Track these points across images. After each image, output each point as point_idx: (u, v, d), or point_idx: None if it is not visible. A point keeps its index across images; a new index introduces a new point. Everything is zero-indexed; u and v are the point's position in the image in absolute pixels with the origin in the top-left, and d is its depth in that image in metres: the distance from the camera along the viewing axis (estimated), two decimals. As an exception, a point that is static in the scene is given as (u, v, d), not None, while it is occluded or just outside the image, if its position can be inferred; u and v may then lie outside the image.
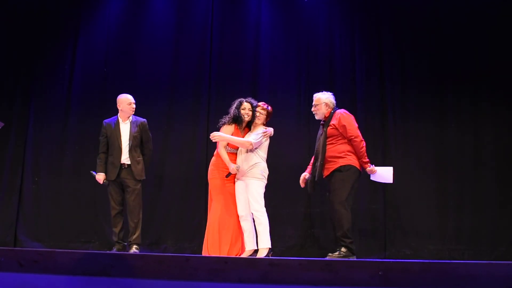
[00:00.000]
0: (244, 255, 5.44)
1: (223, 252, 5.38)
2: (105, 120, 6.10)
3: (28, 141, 7.50)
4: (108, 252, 5.64)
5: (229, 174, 5.49)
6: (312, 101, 5.60)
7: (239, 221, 5.56)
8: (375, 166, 5.46)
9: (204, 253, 5.48)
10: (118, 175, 5.92)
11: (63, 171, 7.40)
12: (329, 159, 5.37)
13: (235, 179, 5.60)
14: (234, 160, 5.61)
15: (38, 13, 7.77)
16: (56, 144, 7.48)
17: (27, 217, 7.30)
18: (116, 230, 5.93)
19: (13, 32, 7.70)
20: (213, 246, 5.43)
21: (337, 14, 7.35)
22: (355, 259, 5.11)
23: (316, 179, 5.43)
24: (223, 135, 5.51)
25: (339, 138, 5.39)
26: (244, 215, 5.48)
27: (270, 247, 5.39)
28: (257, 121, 5.65)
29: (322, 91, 5.62)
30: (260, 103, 5.70)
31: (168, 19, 7.66)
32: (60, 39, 7.76)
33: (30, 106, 7.60)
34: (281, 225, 6.29)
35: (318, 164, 5.41)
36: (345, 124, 5.37)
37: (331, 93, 5.61)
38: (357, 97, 7.04)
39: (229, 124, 5.65)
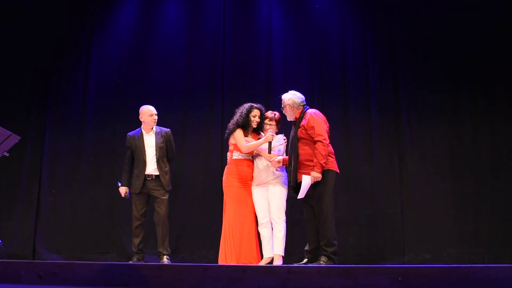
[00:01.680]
0: (263, 262, 5.45)
1: (240, 260, 5.38)
2: (129, 133, 6.11)
3: (44, 153, 7.55)
4: (127, 263, 5.64)
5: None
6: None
7: (255, 229, 5.56)
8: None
9: (221, 262, 5.49)
10: (144, 186, 5.92)
11: (79, 182, 7.43)
12: (305, 163, 5.21)
13: (253, 186, 5.59)
14: (247, 166, 5.64)
15: (51, 25, 7.82)
16: (72, 155, 7.52)
17: (45, 229, 7.34)
18: (136, 241, 5.92)
19: (27, 44, 7.77)
20: (229, 256, 5.43)
21: (349, 18, 7.32)
22: (375, 265, 5.08)
23: (291, 184, 5.27)
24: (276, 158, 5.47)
25: (311, 140, 5.23)
26: (265, 222, 5.49)
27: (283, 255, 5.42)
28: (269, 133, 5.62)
29: (288, 91, 5.56)
30: (267, 114, 5.72)
31: (180, 28, 7.68)
32: (74, 50, 7.82)
33: (46, 117, 7.65)
34: (298, 232, 6.26)
35: (291, 168, 5.25)
36: (313, 125, 5.20)
37: (294, 92, 5.52)
38: (371, 100, 7.00)
39: (236, 131, 5.66)
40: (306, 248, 5.33)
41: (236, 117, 5.72)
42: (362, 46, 7.21)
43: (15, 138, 5.81)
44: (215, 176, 7.02)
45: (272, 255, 5.44)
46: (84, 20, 7.86)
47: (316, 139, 5.15)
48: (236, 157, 5.67)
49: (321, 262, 5.08)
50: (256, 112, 5.70)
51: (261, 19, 7.54)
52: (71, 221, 7.29)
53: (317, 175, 5.10)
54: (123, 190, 6.00)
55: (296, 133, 5.30)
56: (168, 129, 6.15)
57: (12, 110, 7.61)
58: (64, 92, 7.75)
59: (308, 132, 5.21)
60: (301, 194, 5.18)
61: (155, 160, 5.94)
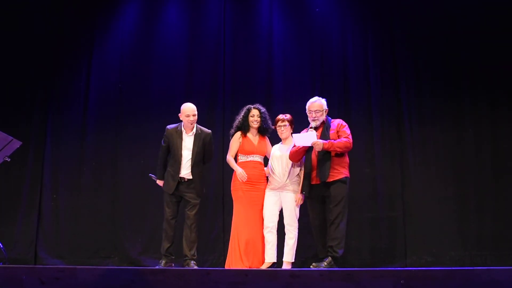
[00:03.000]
0: (264, 267, 5.45)
1: (245, 264, 5.38)
2: (168, 126, 5.88)
3: (46, 159, 7.55)
4: (129, 267, 5.63)
5: None
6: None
7: (262, 232, 5.56)
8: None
9: (227, 266, 5.49)
10: (177, 188, 5.73)
11: (81, 187, 7.43)
12: (335, 167, 5.34)
13: (267, 189, 5.62)
14: (253, 168, 5.65)
15: (53, 32, 7.85)
16: (74, 161, 7.52)
17: (46, 234, 7.34)
18: (166, 243, 5.73)
19: (29, 51, 7.79)
20: (234, 259, 5.44)
21: (350, 22, 7.32)
22: (377, 268, 5.08)
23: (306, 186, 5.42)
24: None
25: None
26: (270, 227, 5.51)
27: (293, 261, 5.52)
28: (284, 136, 5.68)
29: (316, 97, 5.70)
30: (279, 116, 5.73)
31: (181, 32, 7.69)
32: (75, 56, 7.83)
33: (47, 123, 7.65)
34: (300, 235, 6.26)
35: (318, 167, 5.36)
36: (345, 129, 5.46)
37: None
38: (372, 104, 7.00)
39: (235, 135, 5.74)
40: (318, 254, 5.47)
41: (236, 121, 5.80)
42: (363, 50, 7.21)
43: (16, 143, 5.82)
44: (216, 180, 7.04)
45: (273, 260, 5.47)
46: (85, 26, 7.88)
47: (344, 136, 5.39)
48: (241, 160, 5.70)
49: (325, 263, 5.15)
50: (254, 112, 5.74)
51: (261, 23, 7.55)
52: (73, 226, 7.29)
53: (320, 146, 5.27)
54: (161, 182, 5.86)
55: (328, 136, 5.40)
56: (209, 131, 5.93)
57: (14, 116, 7.62)
58: (65, 98, 7.75)
59: (339, 133, 5.41)
60: (298, 141, 5.37)
61: (190, 164, 5.74)
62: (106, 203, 7.30)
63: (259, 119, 5.72)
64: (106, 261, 7.10)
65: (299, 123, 5.93)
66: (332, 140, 5.31)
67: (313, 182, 5.39)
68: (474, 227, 6.48)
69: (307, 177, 5.42)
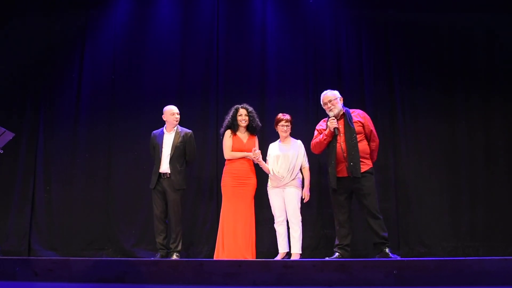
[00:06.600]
0: (278, 257, 5.71)
1: (231, 256, 5.52)
2: (153, 131, 6.38)
3: (39, 151, 7.51)
4: (123, 258, 5.67)
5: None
6: (321, 103, 5.64)
7: (249, 226, 5.74)
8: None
9: (215, 257, 5.58)
10: (159, 184, 6.08)
11: (74, 179, 7.41)
12: (362, 159, 5.33)
13: (270, 187, 5.84)
14: (241, 164, 5.86)
15: (46, 22, 7.80)
16: (67, 153, 7.49)
17: (40, 226, 7.31)
18: (160, 238, 6.05)
19: (21, 42, 7.75)
20: (222, 252, 5.53)
21: (344, 14, 7.31)
22: (370, 259, 5.12)
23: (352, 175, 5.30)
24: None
25: (364, 136, 5.44)
26: (281, 220, 5.78)
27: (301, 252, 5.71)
28: (286, 135, 5.92)
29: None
30: (280, 116, 5.93)
31: (174, 25, 7.65)
32: (68, 48, 7.78)
33: (40, 115, 7.61)
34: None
35: (350, 160, 5.27)
36: (372, 128, 5.50)
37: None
38: (366, 97, 7.01)
39: (225, 133, 5.96)
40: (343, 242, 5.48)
41: (225, 121, 6.04)
42: (356, 42, 7.22)
43: (9, 135, 5.81)
44: (210, 173, 7.05)
45: (285, 250, 5.74)
46: (78, 18, 7.82)
47: (373, 136, 5.51)
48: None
49: (386, 252, 5.32)
50: (242, 111, 5.95)
51: (255, 15, 7.52)
52: (66, 218, 7.27)
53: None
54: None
55: (353, 129, 5.35)
56: (190, 131, 6.29)
57: (6, 108, 7.58)
58: (58, 90, 7.70)
59: (366, 129, 5.46)
60: None
61: (169, 159, 6.07)
62: (100, 195, 7.28)
63: (247, 118, 5.94)
64: (99, 253, 7.09)
65: (292, 115, 6.00)
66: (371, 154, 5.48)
67: (339, 175, 5.33)
68: (467, 218, 6.53)
69: (332, 170, 5.34)
